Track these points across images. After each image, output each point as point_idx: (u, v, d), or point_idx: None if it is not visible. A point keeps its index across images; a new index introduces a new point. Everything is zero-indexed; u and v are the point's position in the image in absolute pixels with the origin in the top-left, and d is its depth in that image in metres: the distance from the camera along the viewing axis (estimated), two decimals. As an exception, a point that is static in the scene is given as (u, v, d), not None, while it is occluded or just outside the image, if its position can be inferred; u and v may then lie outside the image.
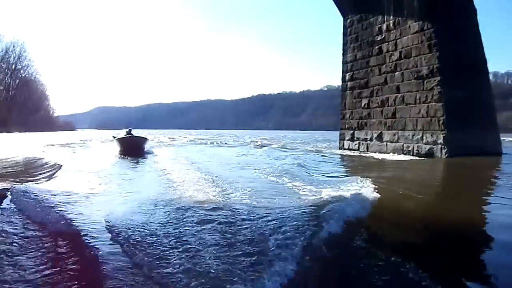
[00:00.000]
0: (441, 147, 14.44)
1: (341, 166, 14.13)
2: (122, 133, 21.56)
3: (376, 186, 7.24)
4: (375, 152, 17.72)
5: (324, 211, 5.05)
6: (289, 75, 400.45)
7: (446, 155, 14.15)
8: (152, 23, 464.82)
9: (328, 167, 12.65)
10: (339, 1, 21.11)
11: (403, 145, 16.38)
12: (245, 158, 16.67)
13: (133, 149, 17.84)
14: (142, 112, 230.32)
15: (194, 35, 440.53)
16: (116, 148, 19.52)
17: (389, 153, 16.94)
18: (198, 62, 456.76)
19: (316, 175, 10.09)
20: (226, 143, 31.06)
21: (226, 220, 4.78)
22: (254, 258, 3.40)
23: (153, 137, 36.08)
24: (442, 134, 14.43)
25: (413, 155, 15.62)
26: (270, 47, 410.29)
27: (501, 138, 16.21)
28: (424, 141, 15.26)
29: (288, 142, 33.90)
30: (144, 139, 20.16)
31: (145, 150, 19.50)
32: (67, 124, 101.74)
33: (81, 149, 23.10)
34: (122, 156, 17.14)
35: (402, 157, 15.67)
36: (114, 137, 21.57)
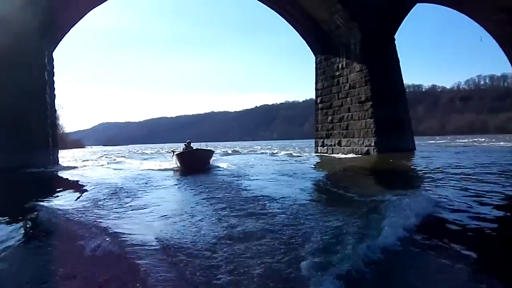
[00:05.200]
0: (373, 148, 22.00)
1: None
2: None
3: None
4: (337, 154, 25.21)
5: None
6: (292, 84, 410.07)
7: (376, 152, 21.70)
8: (153, 37, 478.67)
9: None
10: (311, 45, 28.80)
11: (353, 148, 23.94)
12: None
13: (199, 164, 15.30)
14: (146, 127, 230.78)
15: (195, 49, 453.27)
16: (175, 164, 16.97)
17: (345, 154, 24.42)
18: (201, 75, 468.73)
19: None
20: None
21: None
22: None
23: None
24: (373, 139, 22.00)
25: (358, 154, 23.15)
26: (273, 57, 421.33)
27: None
28: (364, 145, 22.82)
29: (287, 148, 41.33)
30: (211, 152, 17.50)
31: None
32: (76, 142, 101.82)
33: (129, 164, 23.71)
34: (184, 174, 14.23)
35: (353, 155, 23.24)
36: (173, 152, 19.21)
